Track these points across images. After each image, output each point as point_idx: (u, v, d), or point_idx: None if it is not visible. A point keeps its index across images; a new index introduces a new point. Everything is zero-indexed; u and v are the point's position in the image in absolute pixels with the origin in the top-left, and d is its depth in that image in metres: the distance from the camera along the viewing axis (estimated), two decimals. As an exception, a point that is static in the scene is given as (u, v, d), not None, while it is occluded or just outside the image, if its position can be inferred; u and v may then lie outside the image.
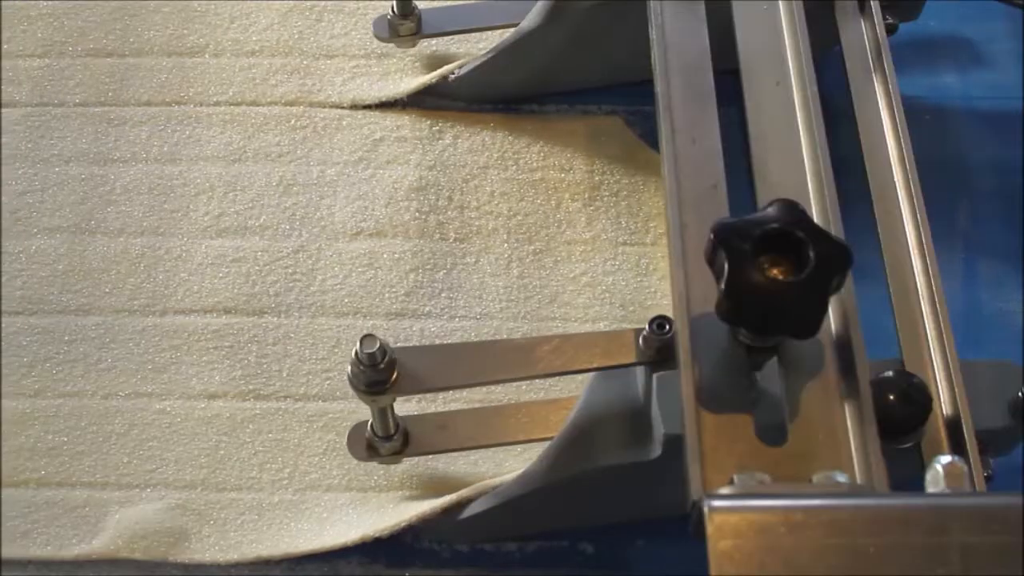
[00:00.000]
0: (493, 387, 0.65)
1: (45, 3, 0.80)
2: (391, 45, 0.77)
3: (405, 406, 0.63)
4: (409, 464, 0.63)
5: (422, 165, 0.73)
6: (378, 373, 0.54)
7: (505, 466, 0.63)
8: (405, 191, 0.72)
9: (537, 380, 0.65)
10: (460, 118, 0.75)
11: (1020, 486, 0.61)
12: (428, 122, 0.75)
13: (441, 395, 0.65)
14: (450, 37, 0.78)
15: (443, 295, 0.69)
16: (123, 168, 0.73)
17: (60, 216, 0.72)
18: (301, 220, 0.72)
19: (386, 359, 0.54)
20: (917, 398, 0.49)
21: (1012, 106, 0.77)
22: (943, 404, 0.51)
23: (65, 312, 0.68)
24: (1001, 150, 0.76)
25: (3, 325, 0.68)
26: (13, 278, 0.69)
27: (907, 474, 0.48)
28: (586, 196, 0.72)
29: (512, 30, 0.73)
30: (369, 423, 0.60)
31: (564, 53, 0.73)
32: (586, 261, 0.70)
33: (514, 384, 0.65)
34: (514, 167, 0.73)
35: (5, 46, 0.78)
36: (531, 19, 0.71)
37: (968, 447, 0.49)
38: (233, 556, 0.61)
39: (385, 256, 0.70)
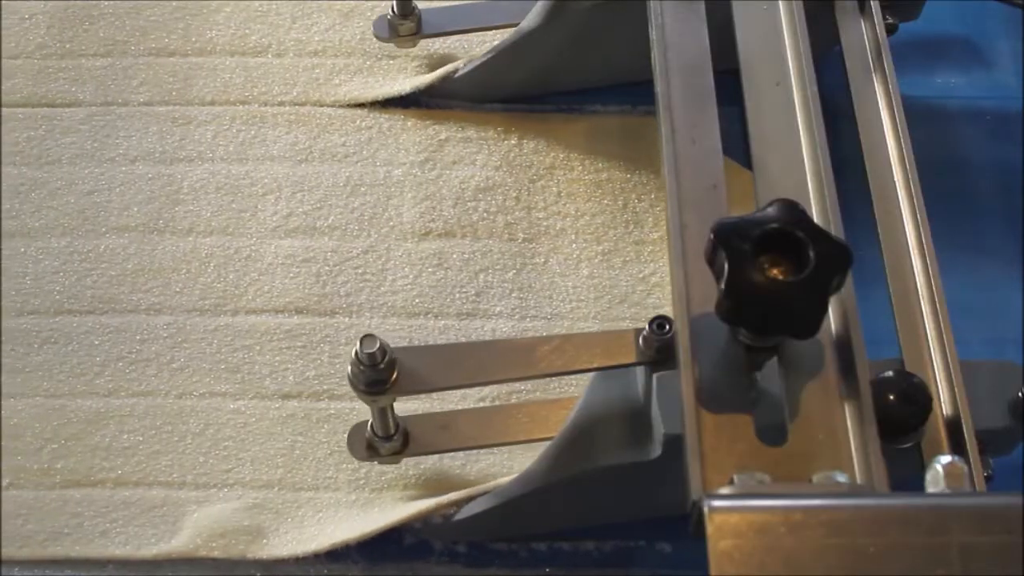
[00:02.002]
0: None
1: (106, 3, 0.80)
2: (454, 44, 0.77)
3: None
4: (465, 465, 0.64)
5: (488, 166, 0.73)
6: (378, 373, 0.54)
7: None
8: (472, 191, 0.72)
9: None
10: (525, 119, 0.76)
11: (1020, 486, 0.61)
12: (493, 123, 0.75)
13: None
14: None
15: (514, 295, 0.69)
16: (189, 168, 0.73)
17: (128, 215, 0.72)
18: (369, 220, 0.72)
19: (386, 359, 0.54)
20: (917, 398, 0.49)
21: (1012, 106, 0.77)
22: (943, 404, 0.51)
23: (136, 311, 0.68)
24: (1001, 150, 0.76)
25: (74, 324, 0.68)
26: (83, 277, 0.69)
27: (907, 474, 0.48)
28: (652, 196, 0.72)
29: (512, 30, 0.73)
30: (369, 423, 0.60)
31: (564, 53, 0.73)
32: (655, 261, 0.70)
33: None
34: (580, 168, 0.73)
35: (68, 45, 0.78)
36: (531, 19, 0.71)
37: (968, 447, 0.49)
38: (311, 547, 0.61)
39: (454, 256, 0.70)
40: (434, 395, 0.65)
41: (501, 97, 0.76)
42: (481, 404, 0.65)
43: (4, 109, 0.75)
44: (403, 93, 0.76)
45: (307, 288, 0.69)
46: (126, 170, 0.73)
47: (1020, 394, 0.53)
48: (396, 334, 0.67)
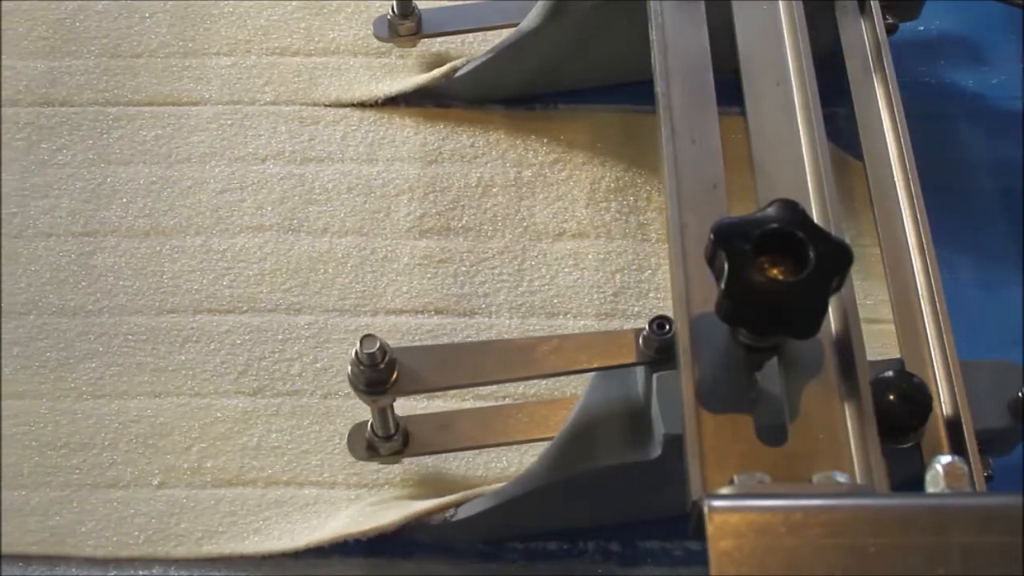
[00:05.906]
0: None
1: (226, 2, 0.80)
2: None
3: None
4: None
5: (618, 167, 0.74)
6: (378, 373, 0.54)
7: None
8: (604, 192, 0.73)
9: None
10: (643, 120, 0.75)
11: (1020, 486, 0.61)
12: (621, 124, 0.75)
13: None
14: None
15: (651, 295, 0.69)
16: (320, 168, 0.74)
17: (262, 215, 0.72)
18: (503, 221, 0.72)
19: (386, 359, 0.54)
20: (917, 398, 0.49)
21: (1012, 106, 0.77)
22: (943, 404, 0.51)
23: (277, 311, 0.68)
24: (1001, 150, 0.76)
25: (215, 323, 0.68)
26: (221, 276, 0.69)
27: (907, 474, 0.48)
28: None
29: (512, 30, 0.73)
30: (369, 423, 0.60)
31: (564, 53, 0.73)
32: None
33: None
34: None
35: (190, 44, 0.78)
36: (531, 19, 0.71)
37: (968, 447, 0.49)
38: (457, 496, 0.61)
39: (590, 257, 0.70)
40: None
41: (501, 97, 0.76)
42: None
43: (131, 108, 0.76)
44: (395, 94, 0.76)
45: (445, 288, 0.69)
46: (257, 169, 0.73)
47: (1020, 394, 0.53)
48: (537, 335, 0.67)
